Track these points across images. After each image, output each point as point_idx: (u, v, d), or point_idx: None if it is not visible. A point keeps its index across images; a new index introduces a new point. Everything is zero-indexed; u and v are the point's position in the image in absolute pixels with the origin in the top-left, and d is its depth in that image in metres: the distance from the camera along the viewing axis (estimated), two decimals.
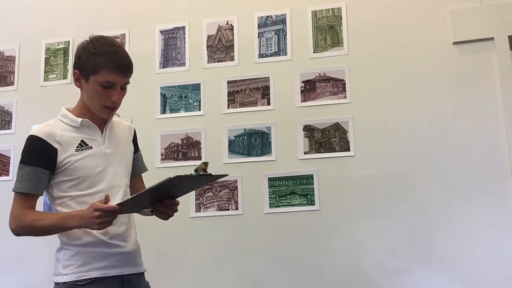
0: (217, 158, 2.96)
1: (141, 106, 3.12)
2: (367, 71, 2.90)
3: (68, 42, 3.30)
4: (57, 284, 1.67)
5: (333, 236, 2.77)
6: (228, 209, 2.90)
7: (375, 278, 2.68)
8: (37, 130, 1.70)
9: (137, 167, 1.91)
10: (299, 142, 2.89)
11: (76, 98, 3.30)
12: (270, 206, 2.85)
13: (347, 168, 2.81)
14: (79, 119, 1.74)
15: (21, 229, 1.68)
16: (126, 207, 1.62)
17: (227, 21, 3.13)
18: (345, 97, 2.90)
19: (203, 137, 3.00)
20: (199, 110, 3.05)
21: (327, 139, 2.87)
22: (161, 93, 3.11)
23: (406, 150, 2.78)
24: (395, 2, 2.96)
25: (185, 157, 3.00)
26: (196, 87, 3.07)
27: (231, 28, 3.11)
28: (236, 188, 2.90)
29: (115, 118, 1.85)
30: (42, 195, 1.72)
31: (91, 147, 1.72)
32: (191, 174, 1.63)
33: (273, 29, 3.06)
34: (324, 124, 2.88)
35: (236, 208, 2.89)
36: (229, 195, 2.90)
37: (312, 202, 2.81)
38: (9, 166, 3.19)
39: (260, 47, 3.06)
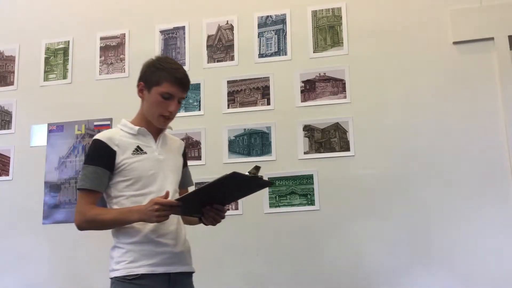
0: (217, 158, 2.96)
1: None
2: (367, 71, 2.90)
3: (68, 42, 3.30)
4: (110, 279, 1.84)
5: (333, 236, 2.77)
6: (228, 209, 2.89)
7: (375, 278, 2.68)
8: (100, 134, 1.91)
9: (185, 181, 2.10)
10: (299, 142, 2.89)
11: (76, 98, 3.32)
12: (270, 206, 2.85)
13: (347, 168, 2.81)
14: (136, 127, 1.94)
15: (85, 223, 1.84)
16: (182, 205, 1.74)
17: (227, 21, 3.13)
18: (345, 97, 2.90)
19: (203, 137, 3.00)
20: (199, 110, 3.05)
21: (327, 139, 2.87)
22: None
23: (406, 150, 2.78)
24: (395, 2, 2.96)
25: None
26: (196, 87, 3.07)
27: (231, 28, 3.11)
28: None
29: (168, 132, 2.05)
30: (103, 192, 1.88)
31: (145, 153, 1.91)
32: (246, 174, 1.75)
33: (273, 29, 3.06)
34: (324, 124, 2.88)
35: (236, 208, 2.89)
36: None
37: (312, 202, 2.81)
38: (9, 166, 3.19)
39: (260, 47, 3.06)
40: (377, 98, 2.86)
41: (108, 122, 3.13)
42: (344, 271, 2.72)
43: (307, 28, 3.02)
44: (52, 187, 3.12)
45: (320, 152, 2.86)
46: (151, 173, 1.88)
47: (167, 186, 1.89)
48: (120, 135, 1.91)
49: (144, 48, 3.19)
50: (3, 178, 3.19)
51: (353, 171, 2.81)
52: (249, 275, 2.80)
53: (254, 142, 2.94)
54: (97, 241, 2.99)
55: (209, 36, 3.14)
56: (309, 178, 2.84)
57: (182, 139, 3.01)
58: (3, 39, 3.40)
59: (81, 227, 1.85)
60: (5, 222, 3.13)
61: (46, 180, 3.13)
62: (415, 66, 2.86)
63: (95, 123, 3.15)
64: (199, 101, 3.05)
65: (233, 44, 3.09)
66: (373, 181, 2.77)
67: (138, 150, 1.89)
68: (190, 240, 2.90)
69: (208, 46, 3.12)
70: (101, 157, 1.85)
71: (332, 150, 2.85)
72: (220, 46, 3.11)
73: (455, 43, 2.84)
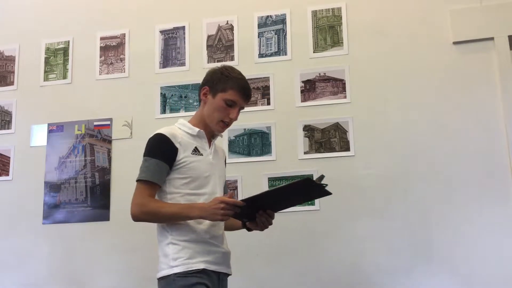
0: None
1: (141, 106, 3.12)
2: (367, 71, 2.90)
3: (68, 42, 3.30)
4: (165, 277, 1.83)
5: (333, 236, 2.77)
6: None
7: (375, 278, 2.68)
8: (163, 130, 1.93)
9: (225, 189, 2.11)
10: (299, 142, 2.89)
11: (76, 98, 3.32)
12: None
13: (347, 168, 2.81)
14: (196, 129, 1.97)
15: (144, 214, 1.85)
16: (243, 207, 1.77)
17: (227, 21, 3.13)
18: (345, 97, 2.90)
19: None
20: None
21: (327, 139, 2.87)
22: (161, 93, 3.11)
23: (406, 150, 2.78)
24: (395, 2, 2.96)
25: None
26: (196, 87, 3.06)
27: (231, 28, 3.11)
28: (236, 188, 2.90)
29: (218, 140, 2.08)
30: (161, 186, 1.89)
31: (201, 154, 1.95)
32: (315, 180, 1.78)
33: (273, 29, 3.06)
34: (324, 124, 2.88)
35: None
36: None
37: (312, 202, 2.81)
38: (9, 166, 3.19)
39: (260, 47, 3.06)
40: (377, 98, 2.86)
41: (108, 122, 3.13)
42: (344, 271, 2.72)
43: (307, 28, 3.02)
44: (52, 187, 3.12)
45: (320, 152, 2.86)
46: (206, 174, 1.92)
47: (217, 189, 1.95)
48: (180, 133, 1.94)
49: (144, 48, 3.19)
50: (3, 178, 3.19)
51: (353, 171, 2.80)
52: (249, 275, 2.80)
53: (254, 142, 2.94)
54: (97, 241, 3.00)
55: (209, 36, 3.14)
56: None
57: None
58: (3, 39, 3.40)
59: (137, 218, 1.86)
60: (5, 222, 3.13)
61: (46, 180, 3.13)
62: (415, 66, 2.86)
63: (95, 123, 3.15)
64: (199, 101, 3.05)
65: (233, 44, 3.09)
66: (373, 181, 2.77)
67: (196, 151, 1.93)
68: None
69: (208, 46, 3.12)
70: (164, 152, 1.88)
71: (332, 150, 2.85)
72: (220, 46, 3.11)
73: (455, 43, 2.84)
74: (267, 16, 3.08)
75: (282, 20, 3.06)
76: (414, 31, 2.90)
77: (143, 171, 1.89)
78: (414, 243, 2.67)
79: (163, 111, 3.09)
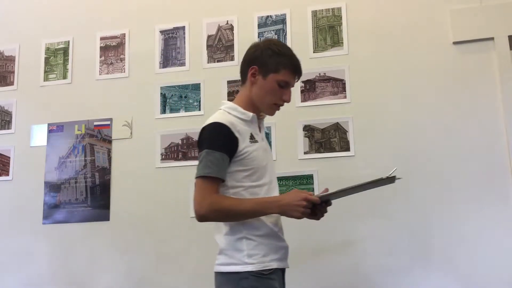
0: None
1: (141, 106, 3.12)
2: (367, 71, 2.90)
3: (68, 42, 3.30)
4: (236, 273, 1.71)
5: (333, 236, 2.76)
6: None
7: (375, 278, 2.68)
8: (221, 118, 1.75)
9: None
10: (299, 142, 2.89)
11: (76, 98, 3.32)
12: None
13: (347, 168, 2.81)
14: (250, 113, 1.80)
15: (213, 213, 1.70)
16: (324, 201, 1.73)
17: (227, 21, 3.13)
18: (345, 97, 2.90)
19: None
20: (199, 110, 3.05)
21: (327, 139, 2.87)
22: (161, 93, 3.11)
23: (406, 150, 2.77)
24: (395, 2, 2.96)
25: (185, 157, 3.00)
26: (196, 87, 3.07)
27: (231, 28, 3.11)
28: None
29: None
30: (225, 181, 1.74)
31: (257, 141, 1.79)
32: (387, 177, 1.73)
33: (273, 29, 3.06)
34: (324, 124, 2.88)
35: None
36: None
37: None
38: (9, 166, 3.19)
39: None
40: (377, 98, 2.86)
41: (108, 122, 3.13)
42: (344, 271, 2.72)
43: (307, 28, 3.02)
44: (52, 187, 3.12)
45: (320, 152, 2.86)
46: (264, 163, 1.79)
47: (274, 178, 1.84)
48: (235, 120, 1.76)
49: (144, 48, 3.19)
50: (3, 178, 3.19)
51: (353, 171, 2.80)
52: None
53: None
54: (97, 241, 3.00)
55: (209, 36, 3.14)
56: (309, 178, 2.83)
57: (182, 139, 3.05)
58: (3, 39, 3.40)
59: (206, 218, 1.71)
60: (5, 222, 3.13)
61: (46, 180, 3.13)
62: (415, 66, 2.86)
63: (95, 123, 3.15)
64: (199, 101, 3.05)
65: (233, 44, 3.09)
66: None
67: (252, 138, 1.77)
68: (190, 240, 2.91)
69: (208, 46, 3.12)
70: (225, 143, 1.71)
71: (332, 150, 2.85)
72: (220, 46, 3.11)
73: (455, 43, 2.84)
74: (267, 16, 3.08)
75: (282, 20, 3.06)
76: (414, 31, 2.90)
77: (207, 165, 1.69)
78: (414, 243, 2.67)
79: (163, 111, 3.09)
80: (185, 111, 3.06)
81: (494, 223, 2.61)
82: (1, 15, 3.44)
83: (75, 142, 3.16)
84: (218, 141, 1.71)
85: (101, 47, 3.26)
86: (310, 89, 2.94)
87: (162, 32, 3.20)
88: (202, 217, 1.71)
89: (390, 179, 1.74)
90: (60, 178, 3.12)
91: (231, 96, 3.02)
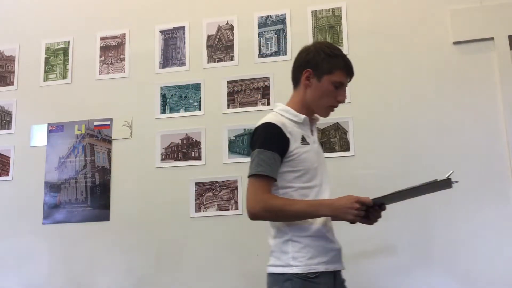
0: (217, 158, 2.96)
1: (141, 106, 3.12)
2: (367, 71, 2.90)
3: (68, 42, 3.30)
4: (282, 274, 1.72)
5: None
6: (228, 209, 2.90)
7: (375, 278, 2.68)
8: (273, 119, 1.77)
9: None
10: None
11: (76, 98, 3.32)
12: None
13: (347, 168, 2.81)
14: (302, 116, 1.81)
15: (265, 212, 1.70)
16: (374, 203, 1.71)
17: (227, 21, 3.13)
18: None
19: (203, 137, 3.00)
20: (199, 110, 3.05)
21: (327, 139, 2.87)
22: (161, 93, 3.11)
23: (406, 150, 2.77)
24: (395, 2, 2.96)
25: (185, 157, 3.00)
26: (196, 87, 3.08)
27: (231, 28, 3.11)
28: (236, 188, 2.90)
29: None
30: (276, 180, 1.75)
31: (308, 143, 1.80)
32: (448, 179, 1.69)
33: (273, 29, 3.06)
34: (324, 124, 2.88)
35: (236, 208, 2.89)
36: (229, 195, 2.90)
37: None
38: (9, 166, 3.19)
39: (260, 47, 3.06)
40: (377, 98, 2.86)
41: (108, 122, 3.13)
42: (344, 271, 2.71)
43: (307, 28, 3.02)
44: (52, 187, 3.12)
45: None
46: (315, 165, 1.79)
47: (325, 180, 1.83)
48: (287, 122, 1.78)
49: (144, 48, 3.19)
50: (3, 178, 3.19)
51: (353, 171, 2.80)
52: (249, 275, 2.80)
53: None
54: (97, 241, 3.00)
55: (209, 36, 3.14)
56: None
57: (182, 139, 3.05)
58: (3, 39, 3.40)
59: (257, 216, 1.71)
60: (5, 222, 3.13)
61: (46, 180, 3.13)
62: (415, 66, 2.86)
63: (95, 123, 3.15)
64: (199, 101, 3.05)
65: (233, 44, 3.09)
66: (373, 181, 2.77)
67: (304, 140, 1.78)
68: (190, 240, 2.91)
69: (208, 46, 3.12)
70: (277, 143, 1.72)
71: (332, 150, 2.85)
72: (220, 46, 3.11)
73: (455, 43, 2.84)
74: (267, 16, 3.08)
75: (282, 20, 3.06)
76: (414, 31, 2.90)
77: (260, 164, 1.70)
78: (414, 243, 2.67)
79: (163, 111, 3.09)
80: (185, 111, 3.06)
81: (494, 223, 2.61)
82: (1, 15, 3.44)
83: (75, 142, 3.16)
84: (270, 140, 1.73)
85: (101, 47, 3.26)
86: None
87: (162, 32, 3.20)
88: (254, 216, 1.72)
89: (447, 183, 1.71)
90: (60, 178, 3.12)
91: (231, 96, 3.02)
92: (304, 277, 1.70)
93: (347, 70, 1.86)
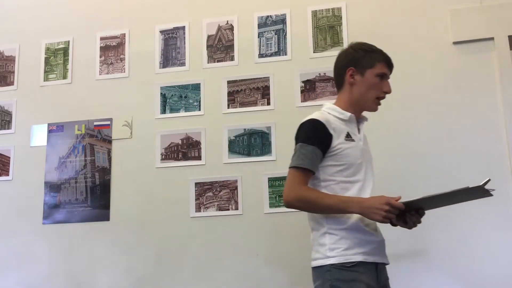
0: (217, 158, 2.96)
1: (141, 106, 3.12)
2: None
3: (68, 42, 3.30)
4: (320, 267, 1.80)
5: None
6: (228, 209, 2.90)
7: None
8: (318, 116, 1.87)
9: None
10: None
11: (76, 98, 3.32)
12: (270, 206, 2.85)
13: None
14: (348, 113, 1.91)
15: (299, 202, 1.80)
16: (407, 206, 1.72)
17: (227, 21, 3.13)
18: None
19: (203, 137, 3.00)
20: (199, 110, 3.05)
21: None
22: (161, 93, 3.11)
23: (405, 150, 2.77)
24: (395, 2, 2.96)
25: (185, 157, 3.00)
26: (196, 87, 3.08)
27: (231, 28, 3.11)
28: (236, 188, 2.90)
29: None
30: (315, 173, 1.84)
31: (353, 140, 1.89)
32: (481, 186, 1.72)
33: (273, 29, 3.06)
34: None
35: (236, 208, 2.89)
36: (229, 195, 2.90)
37: None
38: (9, 166, 3.19)
39: (260, 47, 3.06)
40: None
41: (108, 122, 3.13)
42: None
43: (307, 28, 3.02)
44: (52, 187, 3.12)
45: None
46: (359, 161, 1.87)
47: (369, 177, 1.90)
48: (332, 119, 1.88)
49: (144, 48, 3.19)
50: (3, 178, 3.19)
51: None
52: (249, 275, 2.80)
53: (254, 142, 2.94)
54: (97, 241, 3.00)
55: (209, 36, 3.14)
56: None
57: (182, 139, 3.05)
58: (3, 39, 3.40)
59: (291, 205, 1.81)
60: (5, 222, 3.13)
61: (46, 180, 3.13)
62: (415, 66, 2.86)
63: (95, 123, 3.15)
64: (199, 101, 3.06)
65: (233, 44, 3.09)
66: None
67: (348, 136, 1.87)
68: (190, 240, 2.91)
69: (208, 46, 3.12)
70: (320, 139, 1.82)
71: None
72: (220, 46, 3.11)
73: (455, 43, 2.84)
74: (267, 16, 3.08)
75: (282, 20, 3.06)
76: (414, 31, 2.90)
77: (300, 157, 1.82)
78: (414, 243, 2.67)
79: (163, 111, 3.09)
80: (185, 111, 3.06)
81: (494, 223, 2.61)
82: (1, 15, 3.44)
83: (75, 142, 3.16)
84: (312, 135, 1.83)
85: (101, 47, 3.26)
86: (310, 89, 2.94)
87: (162, 32, 3.20)
88: (288, 204, 1.82)
89: (483, 190, 1.75)
90: (60, 178, 3.12)
91: (231, 96, 3.02)
92: (342, 266, 1.76)
93: (387, 61, 1.94)
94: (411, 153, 2.77)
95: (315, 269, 1.84)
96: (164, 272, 2.89)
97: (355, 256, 1.78)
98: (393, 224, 1.85)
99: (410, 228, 1.86)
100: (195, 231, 2.91)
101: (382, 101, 2.81)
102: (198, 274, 2.86)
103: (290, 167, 1.84)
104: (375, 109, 1.98)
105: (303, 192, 1.80)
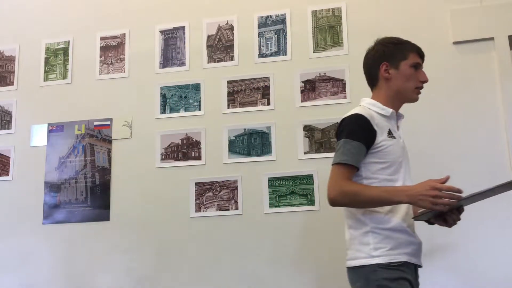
0: (217, 158, 2.96)
1: (141, 106, 3.12)
2: None
3: (68, 42, 3.30)
4: (364, 266, 1.76)
5: (333, 236, 2.76)
6: (228, 209, 2.90)
7: None
8: (361, 111, 1.83)
9: None
10: (299, 142, 2.89)
11: (76, 98, 3.32)
12: (270, 206, 2.85)
13: None
14: (390, 109, 1.87)
15: (342, 197, 1.75)
16: (459, 201, 1.64)
17: (227, 21, 3.13)
18: (345, 97, 2.90)
19: (203, 137, 3.00)
20: (199, 110, 3.05)
21: (327, 139, 2.87)
22: (161, 93, 3.11)
23: None
24: (395, 2, 2.96)
25: (185, 157, 3.00)
26: (196, 87, 3.08)
27: (231, 28, 3.11)
28: (236, 188, 2.90)
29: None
30: (358, 170, 1.80)
31: (394, 137, 1.84)
32: None
33: (273, 29, 3.06)
34: (324, 124, 2.88)
35: (236, 208, 2.89)
36: (229, 195, 2.90)
37: (312, 202, 2.81)
38: (9, 166, 3.19)
39: (260, 47, 3.06)
40: None
41: (108, 122, 3.13)
42: (344, 271, 2.71)
43: (307, 28, 3.02)
44: (52, 187, 3.12)
45: (320, 152, 2.86)
46: (400, 160, 1.83)
47: (407, 177, 1.85)
48: (375, 115, 1.84)
49: (144, 48, 3.19)
50: (3, 178, 3.19)
51: None
52: (249, 275, 2.80)
53: (254, 142, 2.94)
54: (97, 241, 3.00)
55: (209, 36, 3.14)
56: (309, 178, 2.84)
57: (182, 139, 3.05)
58: (3, 39, 3.40)
59: (336, 201, 1.76)
60: (5, 222, 3.13)
61: (46, 180, 3.13)
62: None
63: (95, 123, 3.15)
64: (199, 101, 3.06)
65: (233, 44, 3.09)
66: None
67: (390, 133, 1.83)
68: (190, 240, 2.91)
69: (208, 46, 3.12)
70: (364, 134, 1.78)
71: (332, 150, 2.85)
72: (220, 46, 3.11)
73: (455, 43, 2.84)
74: (267, 16, 3.08)
75: (282, 20, 3.06)
76: (414, 31, 2.89)
77: (344, 153, 1.77)
78: None
79: (163, 111, 3.09)
80: (185, 111, 3.06)
81: (494, 222, 2.61)
82: (1, 15, 3.44)
83: (75, 142, 3.16)
84: (356, 131, 1.78)
85: (101, 47, 3.26)
86: (310, 89, 2.94)
87: (162, 32, 3.20)
88: (332, 201, 1.76)
89: None
90: (60, 178, 3.12)
91: (231, 96, 3.02)
92: (388, 266, 1.72)
93: (418, 51, 1.92)
94: (411, 153, 2.74)
95: (355, 269, 1.79)
96: (164, 272, 2.89)
97: (400, 256, 1.75)
98: (431, 223, 1.82)
99: (450, 226, 1.83)
100: (195, 231, 2.91)
101: None
102: (198, 274, 2.86)
103: (333, 164, 1.79)
104: (416, 99, 1.93)
105: (346, 186, 1.74)
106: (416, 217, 1.82)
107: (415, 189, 1.69)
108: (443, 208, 1.66)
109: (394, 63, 1.90)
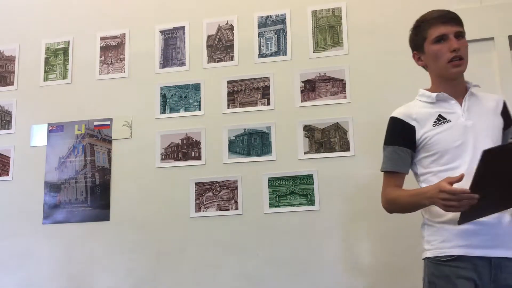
0: (217, 158, 2.96)
1: (141, 106, 3.12)
2: (367, 71, 2.90)
3: (68, 42, 3.30)
4: (424, 259, 1.76)
5: (333, 236, 2.77)
6: (228, 209, 2.90)
7: (375, 278, 2.68)
8: (396, 111, 1.84)
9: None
10: (299, 142, 2.89)
11: (76, 98, 3.32)
12: (270, 206, 2.85)
13: (347, 168, 2.81)
14: (434, 94, 1.80)
15: (390, 205, 1.80)
16: (484, 193, 1.44)
17: (227, 21, 3.13)
18: (345, 97, 2.90)
19: (203, 137, 3.00)
20: (199, 110, 3.05)
21: (327, 139, 2.87)
22: (161, 93, 3.11)
23: None
24: (395, 2, 2.96)
25: (185, 157, 3.00)
26: (196, 87, 3.08)
27: (231, 28, 3.11)
28: (236, 188, 2.90)
29: (477, 91, 1.85)
30: (407, 172, 1.81)
31: (449, 120, 1.75)
32: None
33: (273, 29, 3.06)
34: (324, 124, 2.88)
35: (236, 208, 2.89)
36: (229, 195, 2.90)
37: (312, 202, 2.81)
38: (9, 166, 3.19)
39: (260, 47, 3.06)
40: (377, 98, 2.86)
41: (108, 122, 3.13)
42: (344, 271, 2.72)
43: (307, 28, 3.02)
44: (52, 187, 3.12)
45: (320, 152, 2.86)
46: (458, 143, 1.69)
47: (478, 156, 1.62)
48: (418, 106, 1.81)
49: (144, 48, 3.19)
50: (3, 178, 3.19)
51: (353, 171, 2.80)
52: (249, 275, 2.80)
53: (254, 142, 2.94)
54: (97, 241, 3.00)
55: (209, 36, 3.14)
56: (309, 178, 2.84)
57: (182, 139, 3.05)
58: (3, 39, 3.40)
59: (386, 210, 1.82)
60: (5, 222, 3.13)
61: (46, 180, 3.13)
62: (415, 66, 2.84)
63: (95, 123, 3.15)
64: (199, 101, 3.06)
65: (233, 44, 3.09)
66: (373, 181, 2.76)
67: (440, 119, 1.75)
68: (190, 240, 2.91)
69: (208, 46, 3.12)
70: (399, 136, 1.78)
71: (332, 150, 2.85)
72: (220, 46, 3.11)
73: None
74: (267, 16, 3.08)
75: (282, 20, 3.06)
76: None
77: (383, 161, 1.82)
78: (414, 243, 2.66)
79: (163, 111, 3.09)
80: (185, 111, 3.06)
81: None
82: (1, 15, 3.44)
83: (75, 142, 3.16)
84: (389, 135, 1.83)
85: (101, 47, 3.26)
86: (310, 89, 2.94)
87: (162, 32, 3.20)
88: (385, 209, 1.83)
89: None
90: (60, 178, 3.12)
91: (231, 96, 3.02)
92: (436, 260, 1.67)
93: (437, 20, 1.81)
94: None
95: (424, 261, 1.77)
96: (164, 272, 2.89)
97: (453, 249, 1.63)
98: (450, 211, 1.60)
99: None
100: (195, 231, 2.91)
101: (383, 101, 2.84)
102: (198, 274, 2.86)
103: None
104: (455, 73, 1.78)
105: (388, 194, 1.77)
106: (459, 222, 1.62)
107: (429, 192, 1.61)
108: (458, 210, 1.53)
109: (419, 49, 1.88)
